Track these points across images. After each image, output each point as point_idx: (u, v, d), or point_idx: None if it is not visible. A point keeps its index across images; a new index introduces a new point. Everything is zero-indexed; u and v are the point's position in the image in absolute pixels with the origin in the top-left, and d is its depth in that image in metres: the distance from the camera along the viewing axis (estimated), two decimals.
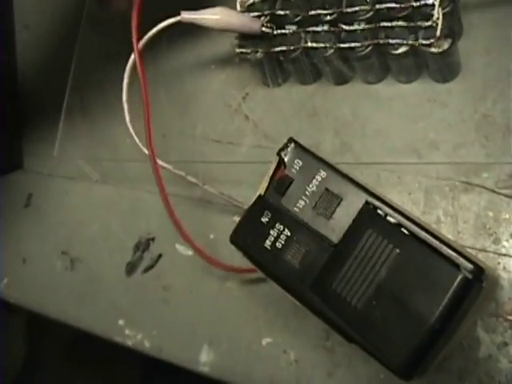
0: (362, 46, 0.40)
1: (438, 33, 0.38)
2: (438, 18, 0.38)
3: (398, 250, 0.33)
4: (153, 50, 0.45)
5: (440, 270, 0.32)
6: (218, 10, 0.43)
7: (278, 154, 0.38)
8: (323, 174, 0.37)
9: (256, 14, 0.44)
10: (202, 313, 0.48)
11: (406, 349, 0.33)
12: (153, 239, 0.51)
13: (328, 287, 0.35)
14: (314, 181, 0.37)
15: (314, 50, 0.42)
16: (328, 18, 0.41)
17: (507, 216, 0.38)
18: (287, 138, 0.39)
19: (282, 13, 0.43)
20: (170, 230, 0.49)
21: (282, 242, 0.37)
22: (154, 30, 0.43)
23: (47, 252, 0.57)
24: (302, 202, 0.37)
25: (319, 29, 0.41)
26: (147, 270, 0.50)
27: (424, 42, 0.38)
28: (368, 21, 0.40)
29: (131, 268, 0.51)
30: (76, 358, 1.10)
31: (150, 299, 0.50)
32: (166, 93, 0.51)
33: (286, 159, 0.38)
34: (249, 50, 0.44)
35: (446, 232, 0.39)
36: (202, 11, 0.43)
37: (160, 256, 0.50)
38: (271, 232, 0.37)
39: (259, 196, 0.38)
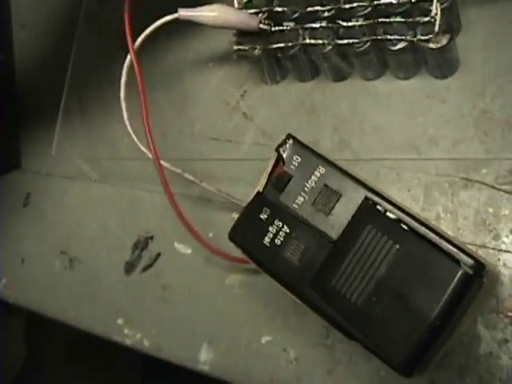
0: (360, 42, 0.40)
1: (437, 28, 0.38)
2: (436, 14, 0.37)
3: (397, 246, 0.33)
4: (150, 47, 0.45)
5: (440, 266, 0.32)
6: (215, 7, 0.43)
7: (277, 150, 0.38)
8: (322, 170, 0.37)
9: (254, 10, 0.43)
10: (202, 311, 0.47)
11: (407, 345, 0.32)
12: (151, 238, 0.50)
13: (328, 284, 0.35)
14: (312, 177, 0.37)
15: (312, 47, 0.42)
16: (326, 14, 0.41)
17: (507, 212, 0.38)
18: (286, 135, 0.39)
19: (279, 9, 0.43)
20: (168, 228, 0.49)
21: (281, 239, 0.37)
22: (151, 28, 0.43)
23: (46, 251, 0.57)
24: (301, 199, 0.37)
25: (317, 25, 0.41)
26: (146, 268, 0.50)
27: (422, 37, 0.38)
28: (366, 17, 0.40)
29: (130, 267, 0.51)
30: (76, 358, 1.10)
31: (149, 298, 0.50)
32: (164, 90, 0.51)
33: (284, 155, 0.38)
34: (247, 47, 0.44)
35: (446, 228, 0.39)
36: (200, 8, 0.43)
37: (159, 255, 0.50)
38: (270, 229, 0.37)
39: (258, 193, 0.38)
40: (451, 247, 0.32)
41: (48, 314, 0.56)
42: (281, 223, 0.37)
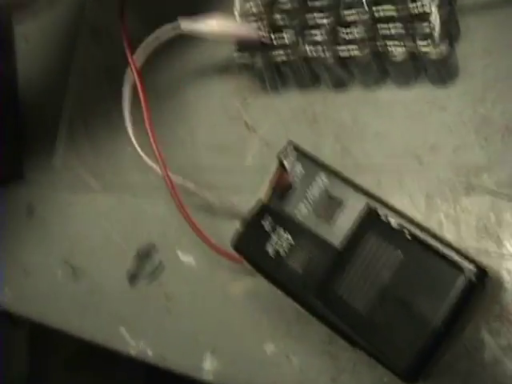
0: (360, 52, 0.40)
1: (437, 39, 0.38)
2: (435, 24, 0.38)
3: (400, 254, 0.33)
4: (151, 57, 0.45)
5: (443, 273, 0.33)
6: (216, 19, 0.43)
7: (278, 157, 0.38)
8: (323, 177, 0.37)
9: (254, 22, 0.44)
10: (205, 320, 0.48)
11: (410, 352, 0.33)
12: (154, 247, 0.51)
13: (331, 292, 0.35)
14: (314, 185, 0.37)
15: (313, 58, 0.42)
16: (326, 26, 0.41)
17: (509, 217, 0.38)
18: (287, 141, 0.39)
19: (280, 22, 0.43)
20: (171, 238, 0.49)
21: (285, 249, 0.37)
22: (151, 39, 0.44)
23: (49, 262, 0.57)
24: (303, 206, 0.37)
25: (318, 38, 0.41)
26: (149, 278, 0.51)
27: (423, 48, 0.38)
28: (366, 27, 0.40)
29: (133, 277, 0.51)
30: (78, 368, 1.10)
31: (152, 307, 0.50)
32: (167, 101, 0.51)
33: (285, 163, 0.38)
34: (248, 59, 0.44)
35: (448, 234, 0.39)
36: (201, 20, 0.43)
37: (162, 264, 0.50)
38: (273, 238, 0.37)
39: (260, 201, 0.38)
40: (453, 254, 0.32)
41: (51, 324, 0.56)
42: (284, 233, 0.37)
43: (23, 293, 0.59)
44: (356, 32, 0.40)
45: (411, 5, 0.38)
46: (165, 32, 0.43)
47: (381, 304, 0.34)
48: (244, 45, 0.44)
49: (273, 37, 0.43)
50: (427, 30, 0.38)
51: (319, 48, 0.41)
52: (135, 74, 0.44)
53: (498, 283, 0.37)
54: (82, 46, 0.57)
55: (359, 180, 0.39)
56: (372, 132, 0.43)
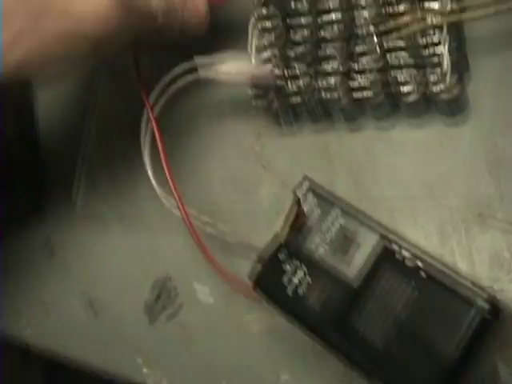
0: (373, 94, 0.41)
1: (447, 79, 0.39)
2: (446, 65, 0.39)
3: (415, 290, 0.34)
4: (169, 97, 0.46)
5: (456, 308, 0.33)
6: (233, 64, 0.44)
7: (293, 192, 0.39)
8: (338, 212, 0.38)
9: (270, 65, 0.45)
10: (220, 350, 0.48)
11: None
12: (172, 283, 0.51)
13: (349, 326, 0.36)
14: (329, 220, 0.38)
15: (327, 100, 0.43)
16: (340, 68, 0.42)
17: None
18: (302, 176, 0.40)
19: (295, 64, 0.44)
20: (188, 273, 0.50)
21: (302, 285, 0.38)
22: (167, 79, 0.45)
23: (69, 298, 0.58)
24: (319, 242, 0.38)
25: (331, 80, 0.42)
26: (167, 312, 0.51)
27: (434, 89, 0.39)
28: (379, 69, 0.41)
29: (151, 311, 0.52)
30: None
31: (168, 338, 0.51)
32: (184, 139, 0.52)
33: (301, 198, 0.39)
34: (263, 100, 0.45)
35: (461, 265, 0.40)
36: (218, 65, 0.44)
37: (179, 299, 0.51)
38: (290, 274, 0.38)
39: (276, 236, 0.39)
40: (466, 290, 0.33)
41: (71, 361, 0.57)
42: (300, 269, 0.38)
43: (43, 329, 0.60)
44: (369, 75, 0.41)
45: (422, 46, 0.40)
46: (181, 72, 0.44)
47: (397, 338, 0.35)
48: (259, 85, 0.45)
49: (287, 78, 0.44)
50: (438, 72, 0.39)
51: (333, 89, 0.42)
52: (153, 121, 0.46)
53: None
54: (101, 83, 0.58)
55: (373, 214, 0.40)
56: (385, 167, 0.44)
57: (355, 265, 0.37)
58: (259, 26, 0.45)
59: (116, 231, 0.55)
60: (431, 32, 0.39)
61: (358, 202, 0.42)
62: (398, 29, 0.40)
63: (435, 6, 0.39)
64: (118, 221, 0.55)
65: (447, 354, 0.33)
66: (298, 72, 0.44)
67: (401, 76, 0.40)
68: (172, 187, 0.45)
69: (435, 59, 0.39)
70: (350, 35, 0.42)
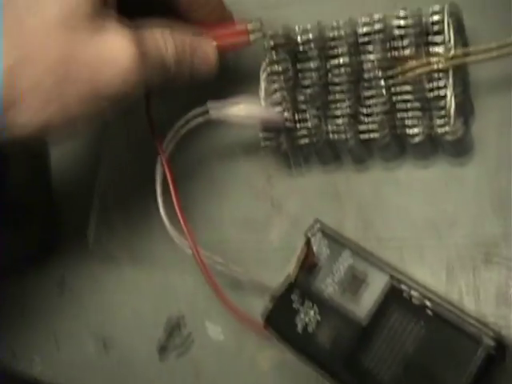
0: (380, 135, 0.42)
1: (452, 121, 0.40)
2: (450, 107, 0.40)
3: (423, 328, 0.35)
4: (181, 138, 0.47)
5: (463, 346, 0.34)
6: (243, 106, 0.44)
7: (305, 235, 0.40)
8: (348, 255, 0.39)
9: (279, 107, 0.45)
10: None
11: None
12: (183, 320, 0.52)
13: (358, 364, 0.36)
14: (339, 261, 0.39)
15: (336, 141, 0.44)
16: (347, 109, 0.43)
17: None
18: (313, 219, 0.41)
19: (303, 106, 0.45)
20: (200, 311, 0.50)
21: (312, 323, 0.39)
22: (180, 124, 0.46)
23: (80, 333, 0.58)
24: (330, 282, 0.39)
25: (339, 121, 0.43)
26: (178, 350, 0.51)
27: (439, 130, 0.40)
28: (385, 110, 0.42)
29: (162, 349, 0.52)
30: None
31: (180, 378, 0.51)
32: (195, 179, 0.53)
33: (312, 240, 0.40)
34: (273, 141, 0.46)
35: (468, 303, 0.40)
36: (228, 106, 0.45)
37: (190, 337, 0.51)
38: (301, 313, 0.39)
39: (288, 277, 0.40)
40: (473, 328, 0.34)
41: None
42: (311, 308, 0.39)
43: (54, 363, 0.60)
44: (375, 115, 0.42)
45: (427, 88, 0.41)
46: (194, 116, 0.45)
47: (405, 375, 0.35)
48: (269, 127, 0.46)
49: (296, 120, 0.45)
50: (443, 113, 0.40)
51: (341, 131, 0.43)
52: (165, 165, 0.46)
53: None
54: (112, 123, 0.59)
55: (381, 253, 0.41)
56: (393, 207, 0.45)
57: (364, 304, 0.38)
58: (269, 70, 0.46)
59: (129, 270, 0.56)
60: (436, 76, 0.40)
61: (367, 241, 0.42)
62: (404, 73, 0.41)
63: (440, 50, 0.41)
64: (130, 259, 0.56)
65: None
66: (307, 115, 0.45)
67: (407, 118, 0.41)
68: (184, 228, 0.45)
69: (440, 102, 0.40)
70: (357, 79, 0.43)
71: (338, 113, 0.44)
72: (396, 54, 0.42)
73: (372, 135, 0.42)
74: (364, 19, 0.43)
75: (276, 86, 0.46)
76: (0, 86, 0.36)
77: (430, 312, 0.35)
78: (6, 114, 0.36)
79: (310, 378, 0.43)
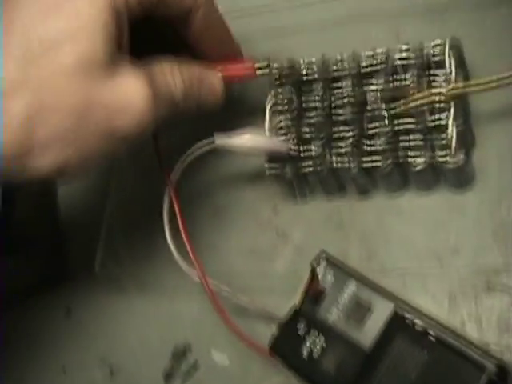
0: (383, 164, 0.42)
1: (453, 149, 0.40)
2: (452, 136, 0.40)
3: (425, 355, 0.36)
4: (188, 167, 0.47)
5: (466, 372, 0.35)
6: (248, 136, 0.45)
7: (311, 265, 0.41)
8: (353, 284, 0.40)
9: (283, 135, 0.46)
10: None
11: None
12: (189, 348, 0.52)
13: None
14: (344, 291, 0.40)
15: (339, 169, 0.44)
16: (350, 139, 0.44)
17: None
18: (318, 250, 0.41)
19: (307, 135, 0.46)
20: (206, 338, 0.50)
21: (318, 351, 0.39)
22: (187, 155, 0.47)
23: (86, 361, 0.58)
24: (335, 311, 0.40)
25: (343, 150, 0.44)
26: (184, 377, 0.52)
27: (440, 158, 0.41)
28: (388, 139, 0.43)
29: (168, 376, 0.52)
30: None
31: None
32: (201, 207, 0.53)
33: (318, 270, 0.40)
34: (278, 170, 0.46)
35: (471, 331, 0.41)
36: (234, 137, 0.45)
37: (197, 364, 0.51)
38: (307, 341, 0.40)
39: (295, 307, 0.41)
40: (475, 354, 0.35)
41: None
42: (317, 336, 0.39)
43: None
44: (378, 144, 0.43)
45: (429, 118, 0.42)
46: (200, 147, 0.46)
47: None
48: (274, 157, 0.47)
49: (301, 149, 0.46)
50: (444, 142, 0.41)
51: (344, 159, 0.44)
52: (173, 196, 0.47)
53: None
54: (120, 158, 0.59)
55: (385, 282, 0.41)
56: (396, 236, 0.45)
57: (369, 332, 0.38)
58: (274, 101, 0.47)
59: (136, 298, 0.56)
60: (438, 106, 0.41)
61: (370, 269, 0.43)
62: (406, 104, 0.42)
63: (441, 82, 0.41)
64: (137, 288, 0.56)
65: None
66: (311, 145, 0.45)
67: (409, 148, 0.42)
68: (193, 258, 0.46)
69: (442, 132, 0.41)
70: (361, 109, 0.44)
71: (342, 142, 0.44)
72: (398, 85, 0.43)
73: (374, 164, 0.43)
74: (367, 53, 0.44)
75: (281, 116, 0.47)
76: (17, 132, 0.36)
77: (433, 339, 0.36)
78: (23, 159, 0.37)
79: None
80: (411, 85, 0.42)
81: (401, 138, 0.43)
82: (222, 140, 0.45)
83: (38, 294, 0.60)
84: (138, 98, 0.38)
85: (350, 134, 0.44)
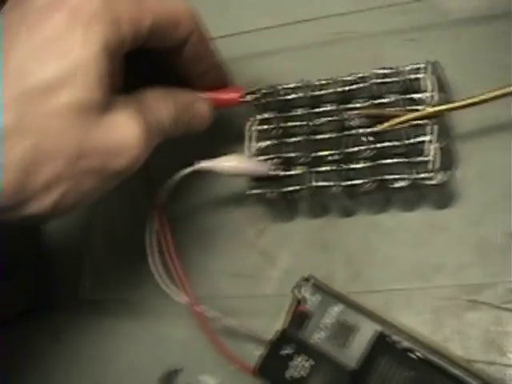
0: (365, 183, 0.43)
1: (435, 168, 0.41)
2: (433, 156, 0.41)
3: (410, 374, 0.36)
4: (173, 191, 0.47)
5: None
6: (228, 158, 0.45)
7: (296, 286, 0.41)
8: (338, 306, 0.40)
9: (265, 157, 0.47)
10: None
11: None
12: (178, 371, 0.51)
13: None
14: (329, 312, 0.40)
15: (321, 189, 0.44)
16: (332, 158, 0.44)
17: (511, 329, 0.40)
18: (304, 271, 0.43)
19: (288, 155, 0.46)
20: (194, 361, 0.50)
21: (304, 372, 0.39)
22: (171, 182, 0.47)
23: None
24: (320, 332, 0.40)
25: (324, 169, 0.44)
26: None
27: (422, 176, 0.41)
28: (369, 159, 0.43)
29: None
30: None
31: None
32: (187, 230, 0.53)
33: (304, 294, 0.41)
34: (260, 191, 0.47)
35: (455, 348, 0.41)
36: (215, 160, 0.45)
37: None
38: (293, 362, 0.40)
39: (281, 330, 0.41)
40: (459, 372, 0.35)
41: None
42: (303, 357, 0.40)
43: None
44: (360, 164, 0.43)
45: (410, 138, 0.42)
46: (183, 170, 0.46)
47: None
48: (257, 179, 0.47)
49: (283, 172, 0.46)
50: (425, 161, 0.41)
51: (326, 180, 0.44)
52: (160, 220, 0.48)
53: None
54: None
55: (369, 301, 0.42)
56: (380, 255, 0.46)
57: (354, 352, 0.39)
58: (256, 123, 0.48)
59: (123, 322, 0.56)
60: (418, 126, 0.42)
61: (355, 288, 0.44)
62: (387, 126, 0.43)
63: (422, 101, 0.42)
64: (125, 312, 0.56)
65: None
66: (292, 163, 0.46)
67: (390, 166, 0.42)
68: (180, 282, 0.47)
69: (423, 152, 0.41)
70: (342, 131, 0.45)
71: (323, 162, 0.45)
72: (379, 106, 0.44)
73: (356, 181, 0.43)
74: (348, 77, 0.45)
75: (262, 139, 0.47)
76: (14, 176, 0.36)
77: (417, 358, 0.36)
78: (17, 208, 0.37)
79: None
80: (392, 106, 0.43)
81: (382, 157, 0.43)
82: (203, 163, 0.45)
83: (26, 321, 0.60)
84: (132, 138, 0.39)
85: (332, 154, 0.44)
